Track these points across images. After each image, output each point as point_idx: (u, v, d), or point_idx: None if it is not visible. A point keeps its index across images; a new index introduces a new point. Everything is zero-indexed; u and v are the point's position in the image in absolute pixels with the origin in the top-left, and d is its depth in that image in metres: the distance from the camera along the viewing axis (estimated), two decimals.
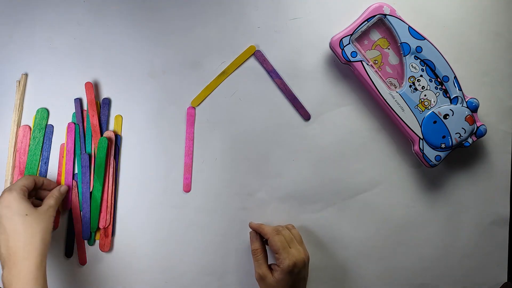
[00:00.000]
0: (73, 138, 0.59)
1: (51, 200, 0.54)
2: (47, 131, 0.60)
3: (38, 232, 0.50)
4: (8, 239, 0.48)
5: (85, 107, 0.60)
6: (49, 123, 0.60)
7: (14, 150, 0.59)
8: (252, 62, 0.61)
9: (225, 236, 0.61)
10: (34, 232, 0.49)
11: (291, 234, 0.56)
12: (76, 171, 0.60)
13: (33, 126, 0.60)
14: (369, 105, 0.61)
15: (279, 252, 0.52)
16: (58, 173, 0.60)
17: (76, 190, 0.59)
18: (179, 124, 0.60)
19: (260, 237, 0.57)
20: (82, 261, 0.60)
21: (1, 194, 0.51)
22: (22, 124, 0.60)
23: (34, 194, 0.56)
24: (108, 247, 0.60)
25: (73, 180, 0.59)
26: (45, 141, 0.60)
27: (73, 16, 0.60)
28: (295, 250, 0.53)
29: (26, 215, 0.50)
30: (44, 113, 0.60)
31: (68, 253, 0.60)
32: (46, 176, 0.59)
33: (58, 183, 0.59)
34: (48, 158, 0.60)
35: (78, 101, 0.59)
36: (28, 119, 0.60)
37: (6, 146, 0.59)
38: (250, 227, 0.58)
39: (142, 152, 0.60)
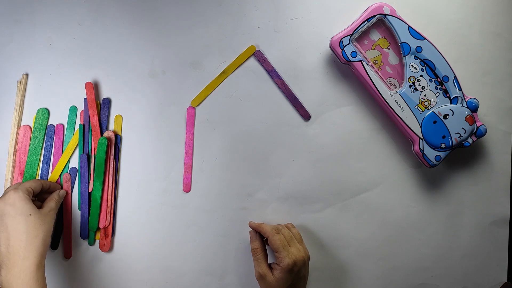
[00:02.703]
0: (62, 139, 0.60)
1: (52, 203, 0.54)
2: (49, 131, 0.60)
3: (40, 233, 0.50)
4: (9, 238, 0.49)
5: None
6: (49, 123, 0.60)
7: (15, 150, 0.59)
8: (252, 62, 0.61)
9: (225, 236, 0.61)
10: (37, 233, 0.50)
11: (291, 233, 0.56)
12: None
13: (34, 126, 0.60)
14: (369, 105, 0.61)
15: (278, 250, 0.52)
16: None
17: (69, 183, 0.59)
18: (179, 124, 0.60)
19: (260, 236, 0.57)
20: (67, 254, 0.60)
21: (7, 192, 0.51)
22: (22, 124, 0.60)
23: (36, 196, 0.56)
24: (108, 247, 0.60)
25: (68, 173, 0.59)
26: (46, 141, 0.60)
27: (73, 16, 0.60)
28: (295, 249, 0.53)
29: (30, 215, 0.50)
30: (44, 113, 0.60)
31: (54, 246, 0.60)
32: (48, 176, 0.60)
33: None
34: (50, 158, 0.60)
35: (86, 101, 0.59)
36: (29, 119, 0.60)
37: (7, 146, 0.59)
38: (250, 226, 0.58)
39: (142, 152, 0.60)
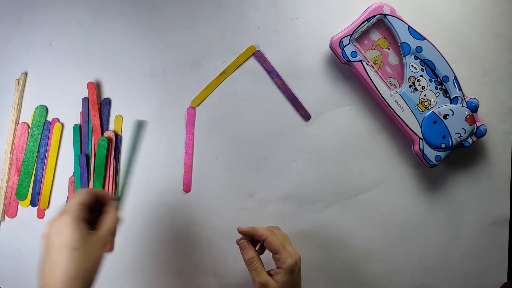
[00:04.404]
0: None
1: (109, 224, 0.45)
2: (45, 128, 0.60)
3: (83, 271, 0.42)
4: (53, 272, 0.41)
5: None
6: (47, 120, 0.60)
7: (12, 148, 0.59)
8: (252, 62, 0.61)
9: (225, 236, 0.61)
10: (79, 272, 0.41)
11: (280, 234, 0.52)
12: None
13: (31, 124, 0.60)
14: (369, 105, 0.61)
15: (279, 251, 0.50)
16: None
17: (74, 188, 0.59)
18: (179, 124, 0.60)
19: (252, 244, 0.52)
20: None
21: (56, 216, 0.44)
22: (20, 121, 0.60)
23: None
24: (108, 247, 0.60)
25: (73, 176, 0.59)
26: (42, 137, 0.60)
27: (73, 16, 0.60)
28: (291, 248, 0.51)
29: (75, 248, 0.42)
30: (43, 110, 0.60)
31: None
32: (43, 173, 0.60)
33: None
34: (45, 155, 0.60)
35: (86, 101, 0.59)
36: (27, 118, 0.60)
37: (4, 144, 0.60)
38: (240, 232, 0.52)
39: (142, 152, 0.60)
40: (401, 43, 0.56)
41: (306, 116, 0.60)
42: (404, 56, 0.56)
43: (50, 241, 0.42)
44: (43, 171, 0.60)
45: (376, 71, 0.57)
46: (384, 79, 0.57)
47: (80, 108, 0.60)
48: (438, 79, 0.56)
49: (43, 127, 0.60)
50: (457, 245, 0.62)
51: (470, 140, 0.57)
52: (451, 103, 0.56)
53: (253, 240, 0.52)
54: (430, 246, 0.62)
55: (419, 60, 0.56)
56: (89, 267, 0.42)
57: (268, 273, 0.51)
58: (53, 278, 0.41)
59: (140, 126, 0.48)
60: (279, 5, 0.60)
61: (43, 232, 0.43)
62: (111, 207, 0.47)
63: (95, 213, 0.47)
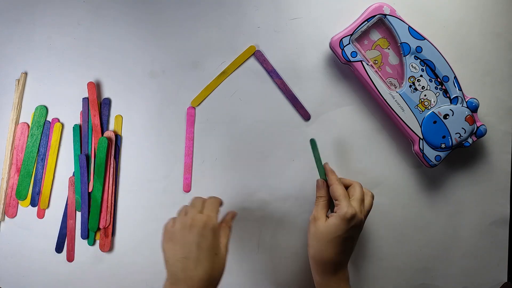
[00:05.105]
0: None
1: (227, 231, 0.51)
2: (45, 128, 0.60)
3: (218, 275, 0.47)
4: (194, 269, 0.46)
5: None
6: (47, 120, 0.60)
7: (12, 148, 0.59)
8: (252, 62, 0.61)
9: None
10: (215, 275, 0.47)
11: (358, 192, 0.52)
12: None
13: (31, 123, 0.60)
14: (369, 105, 0.61)
15: (339, 199, 0.50)
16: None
17: (73, 188, 0.59)
18: (179, 124, 0.60)
19: (328, 188, 0.54)
20: (70, 257, 0.60)
21: (200, 217, 0.48)
22: (20, 121, 0.60)
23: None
24: (108, 247, 0.60)
25: (73, 176, 0.60)
26: (42, 137, 0.60)
27: (73, 16, 0.60)
28: (356, 205, 0.50)
29: (216, 254, 0.47)
30: (43, 110, 0.60)
31: (59, 249, 0.60)
32: (42, 174, 0.60)
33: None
34: (45, 155, 0.60)
35: (86, 101, 0.59)
36: (27, 118, 0.60)
37: (4, 144, 0.60)
38: (324, 168, 0.54)
39: (142, 152, 0.60)
40: (401, 43, 0.56)
41: (306, 116, 0.60)
42: (404, 56, 0.56)
43: (197, 242, 0.46)
44: (43, 171, 0.60)
45: (376, 71, 0.57)
46: (384, 79, 0.57)
47: (80, 108, 0.60)
48: (438, 79, 0.56)
49: (43, 127, 0.60)
50: (457, 245, 0.62)
51: (470, 140, 0.57)
52: (451, 103, 0.56)
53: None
54: (430, 246, 0.62)
55: (419, 60, 0.56)
56: (220, 273, 0.47)
57: (328, 216, 0.51)
58: (195, 275, 0.45)
59: (313, 143, 0.54)
60: (279, 5, 0.60)
61: (192, 223, 0.47)
62: (228, 220, 0.53)
63: None
